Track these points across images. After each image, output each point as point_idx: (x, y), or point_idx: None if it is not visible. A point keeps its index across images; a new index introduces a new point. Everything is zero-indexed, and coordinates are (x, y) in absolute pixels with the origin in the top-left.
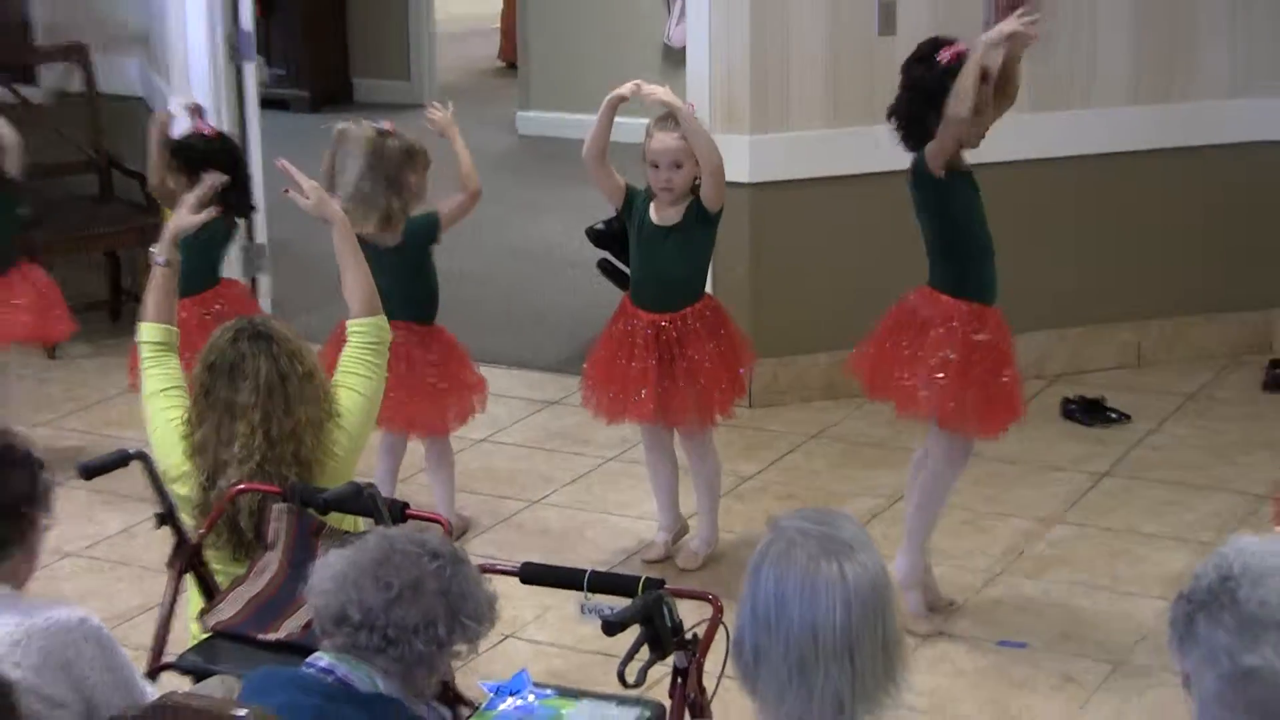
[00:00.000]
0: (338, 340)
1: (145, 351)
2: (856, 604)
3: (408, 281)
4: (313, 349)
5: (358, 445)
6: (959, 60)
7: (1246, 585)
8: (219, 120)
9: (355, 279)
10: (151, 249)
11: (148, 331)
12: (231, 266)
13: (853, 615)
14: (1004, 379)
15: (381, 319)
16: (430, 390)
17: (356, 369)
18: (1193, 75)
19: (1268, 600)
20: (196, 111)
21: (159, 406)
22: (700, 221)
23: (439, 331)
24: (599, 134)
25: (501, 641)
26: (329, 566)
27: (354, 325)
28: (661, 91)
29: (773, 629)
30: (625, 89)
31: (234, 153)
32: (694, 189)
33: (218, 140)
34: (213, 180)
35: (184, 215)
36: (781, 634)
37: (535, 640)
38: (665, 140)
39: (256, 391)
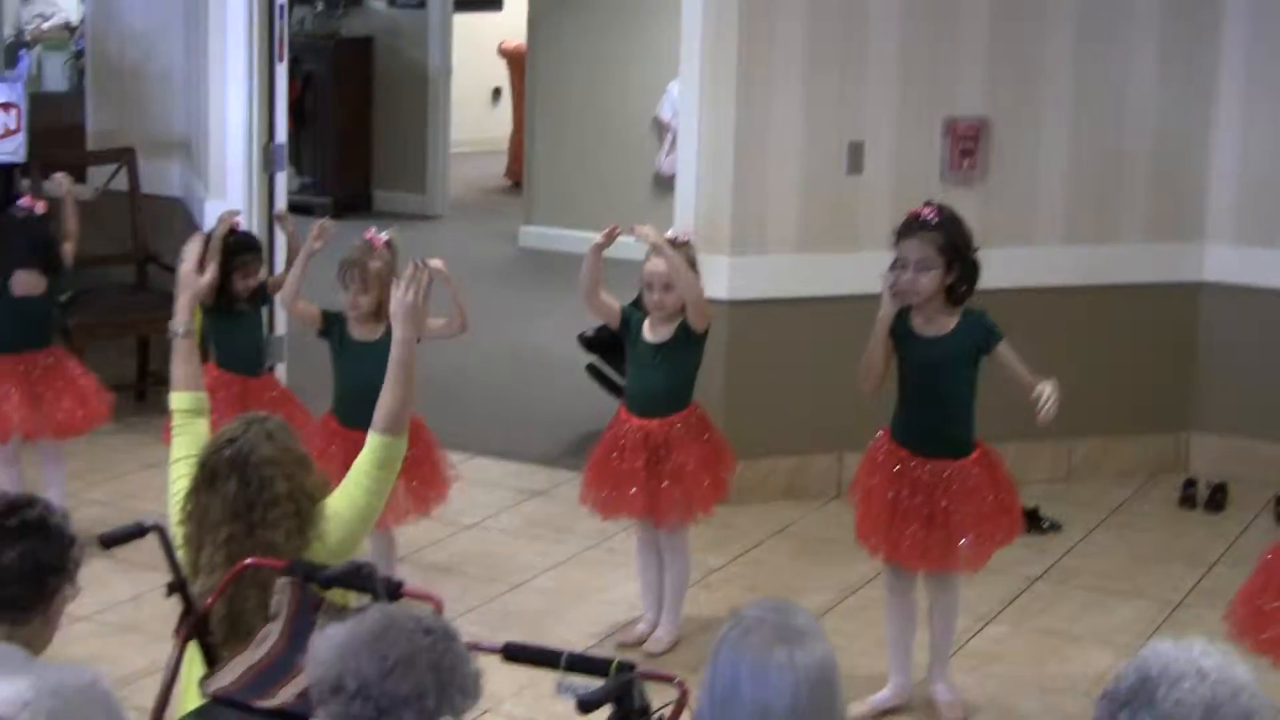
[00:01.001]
0: (325, 429)
1: (176, 419)
2: (804, 688)
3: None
4: (298, 462)
5: (341, 553)
6: None
7: (1164, 686)
8: (251, 223)
9: (390, 392)
10: (170, 324)
11: (177, 400)
12: None
13: (800, 698)
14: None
15: (398, 440)
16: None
17: (355, 487)
18: (1118, 220)
19: (1183, 700)
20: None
21: (177, 474)
22: (687, 340)
23: (417, 424)
24: (589, 274)
25: (481, 716)
26: (329, 638)
27: (371, 438)
28: (650, 232)
29: (727, 708)
30: (601, 237)
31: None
32: (684, 309)
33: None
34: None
35: (189, 279)
36: (734, 713)
37: (513, 715)
38: (658, 265)
39: (224, 511)
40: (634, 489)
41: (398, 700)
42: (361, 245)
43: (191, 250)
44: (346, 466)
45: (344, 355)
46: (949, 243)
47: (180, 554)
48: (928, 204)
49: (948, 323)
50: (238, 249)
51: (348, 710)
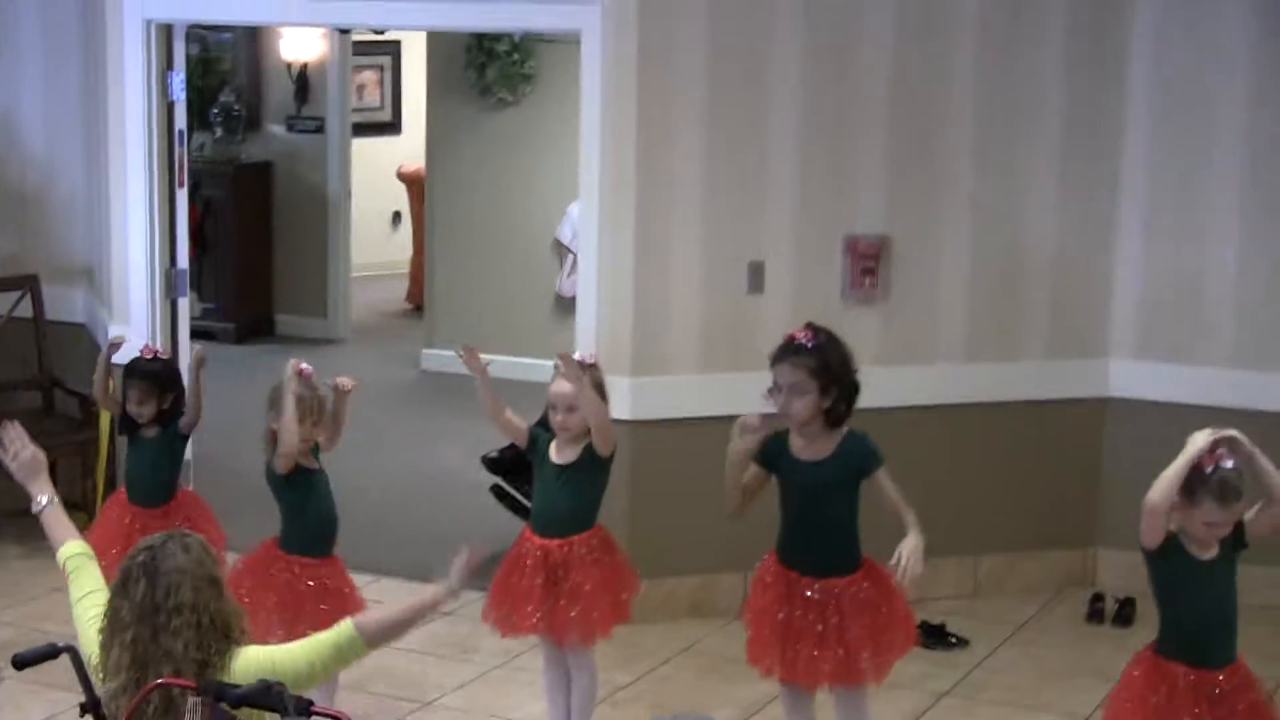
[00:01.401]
0: (261, 555)
1: (68, 567)
2: None
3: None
4: (209, 580)
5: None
6: None
7: None
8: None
9: (398, 615)
10: (36, 499)
11: (64, 551)
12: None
13: None
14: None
15: (366, 649)
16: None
17: (305, 651)
18: (1020, 337)
19: None
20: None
21: (83, 610)
22: (592, 462)
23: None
24: (484, 399)
25: None
26: None
27: (347, 626)
28: (566, 363)
29: None
30: (467, 362)
31: (176, 372)
32: (589, 431)
33: (161, 361)
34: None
35: (25, 465)
36: None
37: None
38: (561, 385)
39: (131, 613)
40: (530, 607)
41: None
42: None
43: (14, 435)
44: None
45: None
46: (822, 366)
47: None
48: (806, 326)
49: (827, 446)
50: (126, 375)
51: None
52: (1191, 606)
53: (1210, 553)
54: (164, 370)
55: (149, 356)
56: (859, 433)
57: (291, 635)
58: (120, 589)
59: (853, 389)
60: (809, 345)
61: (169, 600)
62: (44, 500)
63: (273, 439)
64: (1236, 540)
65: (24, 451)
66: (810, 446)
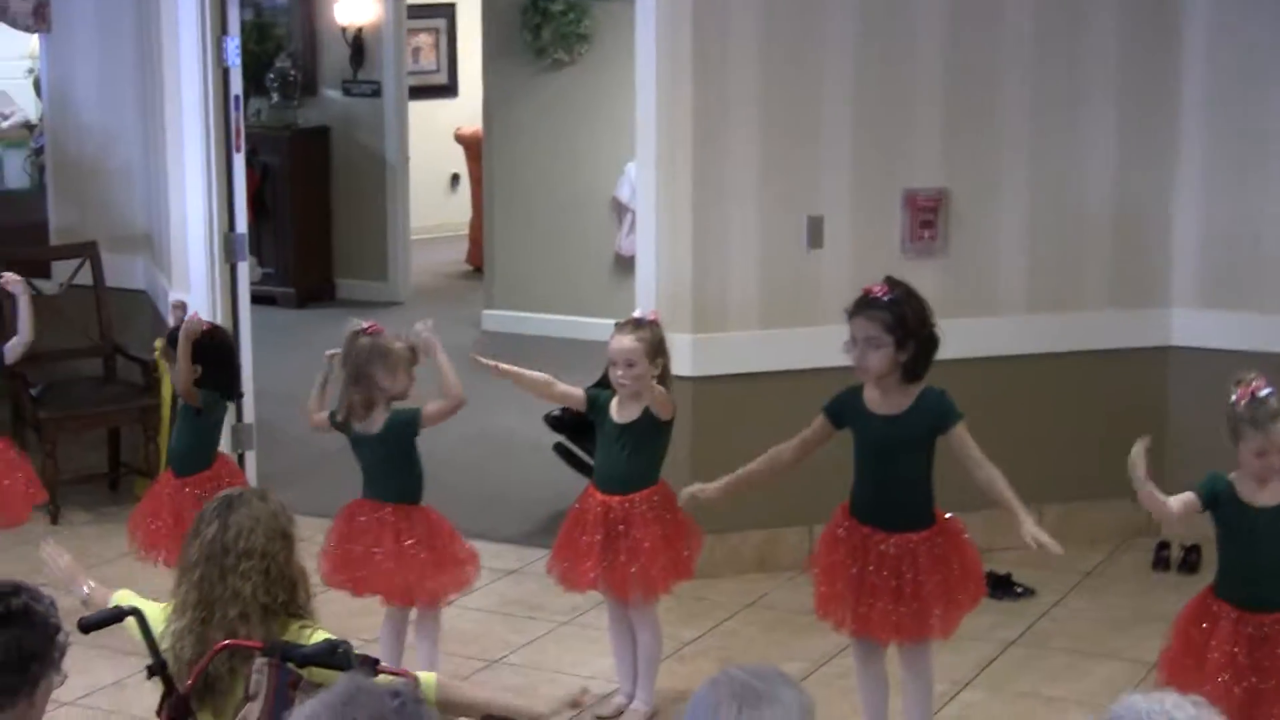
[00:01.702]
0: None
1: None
2: None
3: (390, 467)
4: (282, 534)
5: None
6: None
7: None
8: (214, 314)
9: (476, 691)
10: (82, 590)
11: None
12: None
13: None
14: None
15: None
16: (417, 563)
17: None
18: (1081, 287)
19: None
20: (182, 308)
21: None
22: (652, 423)
23: (425, 511)
24: (530, 389)
25: None
26: (301, 710)
27: (428, 678)
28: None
29: None
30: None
31: (226, 343)
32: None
33: (211, 333)
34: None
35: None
36: None
37: None
38: (621, 341)
39: (200, 552)
40: (590, 563)
41: None
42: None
43: (51, 552)
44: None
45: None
46: (898, 321)
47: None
48: (885, 280)
49: (903, 401)
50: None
51: None
52: (1243, 552)
53: (1267, 497)
54: (212, 341)
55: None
56: (937, 389)
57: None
58: (193, 531)
59: (930, 344)
60: (885, 299)
61: (239, 543)
62: (87, 589)
63: (368, 404)
64: None
65: (61, 559)
66: (886, 401)
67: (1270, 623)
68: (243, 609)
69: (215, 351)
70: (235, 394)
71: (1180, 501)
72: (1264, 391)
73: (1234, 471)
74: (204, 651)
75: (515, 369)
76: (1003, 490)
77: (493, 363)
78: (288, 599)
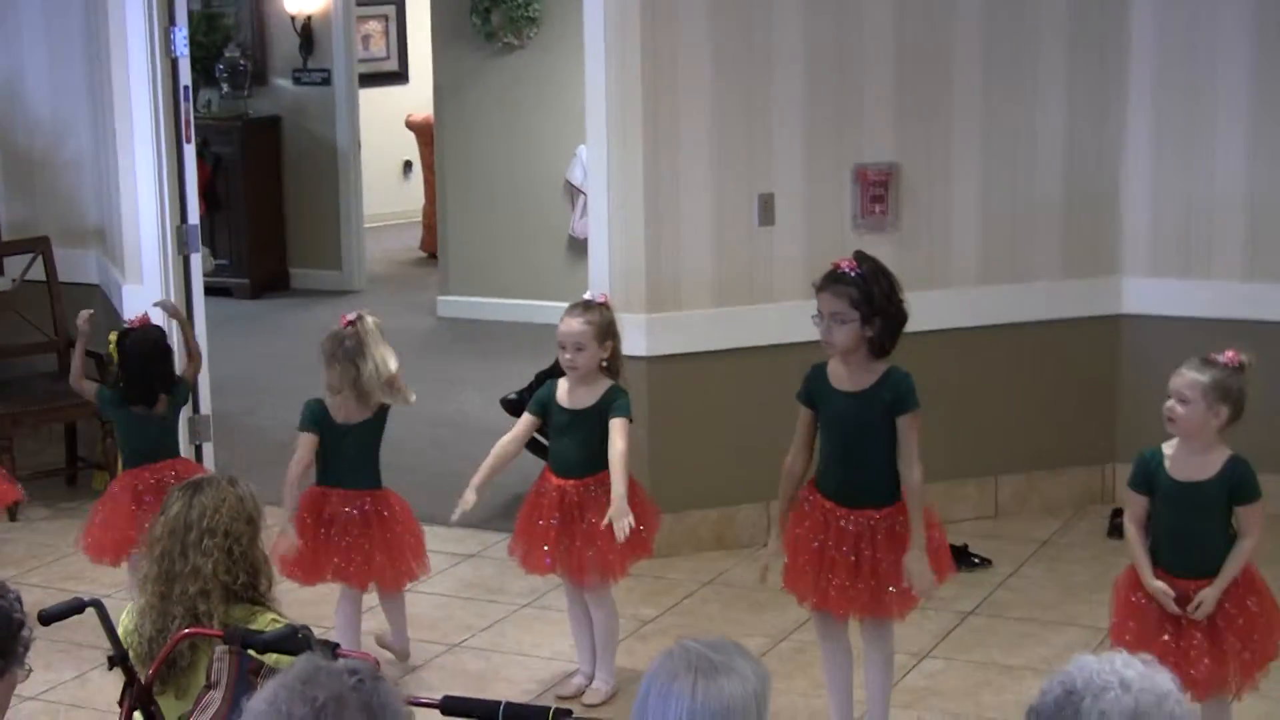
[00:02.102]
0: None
1: None
2: (702, 717)
3: (370, 454)
4: (248, 516)
5: None
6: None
7: (1089, 699)
8: None
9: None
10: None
11: None
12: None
13: None
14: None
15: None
16: (402, 545)
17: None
18: (1033, 258)
19: (1107, 711)
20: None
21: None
22: (601, 415)
23: (394, 494)
24: (502, 465)
25: None
26: (261, 693)
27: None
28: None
29: None
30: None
31: (138, 347)
32: (606, 370)
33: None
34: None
35: None
36: None
37: None
38: (570, 324)
39: (164, 529)
40: (546, 547)
41: None
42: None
43: None
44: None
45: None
46: (864, 297)
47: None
48: (854, 255)
49: (868, 378)
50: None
51: None
52: (1158, 519)
53: (1186, 471)
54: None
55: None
56: (902, 371)
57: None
58: (160, 511)
59: (898, 320)
60: (852, 275)
61: (202, 521)
62: None
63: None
64: (1232, 489)
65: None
66: (851, 377)
67: (1188, 587)
68: (203, 585)
69: (128, 351)
70: (138, 398)
71: (1133, 520)
72: (1221, 357)
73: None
74: (165, 628)
75: (481, 478)
76: (913, 504)
77: (465, 504)
78: (249, 582)
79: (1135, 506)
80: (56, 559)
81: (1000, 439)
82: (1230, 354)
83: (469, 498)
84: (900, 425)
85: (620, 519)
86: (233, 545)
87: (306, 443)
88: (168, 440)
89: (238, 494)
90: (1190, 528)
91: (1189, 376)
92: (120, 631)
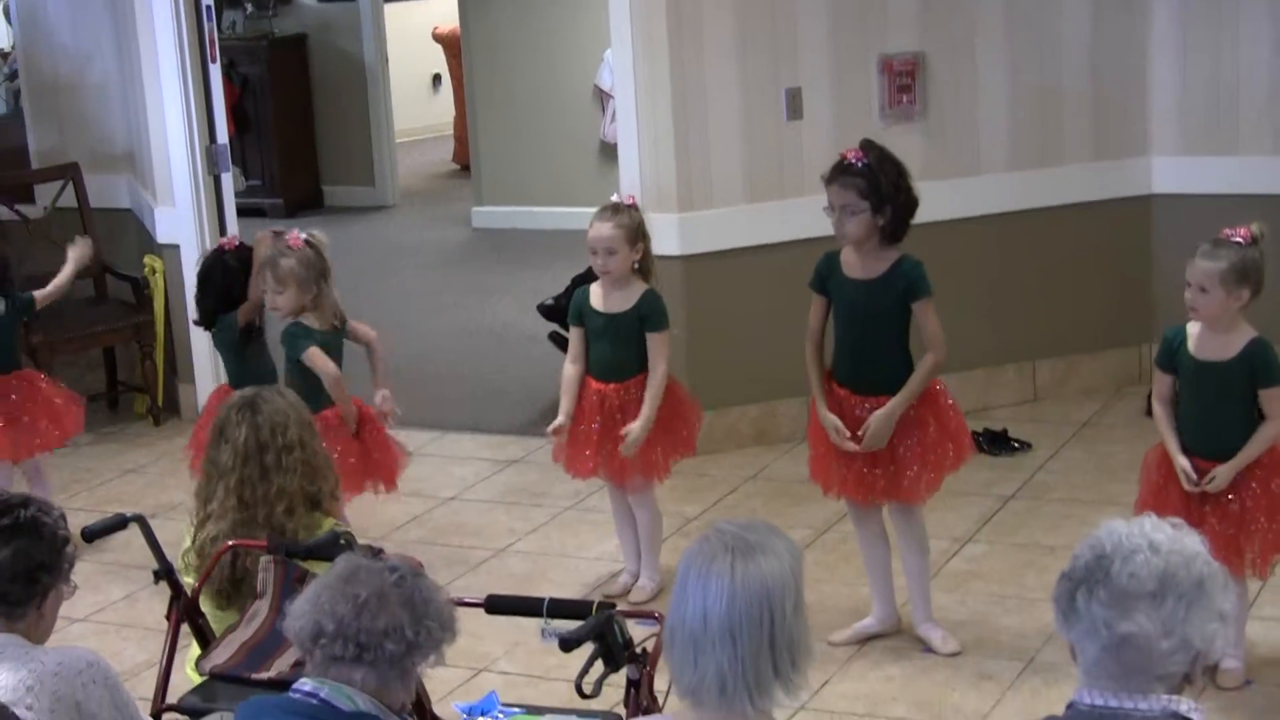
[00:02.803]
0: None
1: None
2: (742, 596)
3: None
4: (308, 424)
5: None
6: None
7: (1118, 562)
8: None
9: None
10: None
11: None
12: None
13: (737, 605)
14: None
15: None
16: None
17: None
18: (1062, 142)
19: (1137, 573)
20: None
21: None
22: (638, 321)
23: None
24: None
25: (474, 676)
26: (304, 594)
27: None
28: None
29: (678, 609)
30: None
31: (206, 269)
32: (638, 272)
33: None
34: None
35: None
36: (681, 614)
37: (505, 672)
38: (600, 229)
39: (235, 455)
40: (589, 451)
41: (375, 633)
42: (276, 243)
43: None
44: None
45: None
46: (872, 186)
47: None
48: (860, 144)
49: (879, 266)
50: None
51: (330, 653)
52: (1182, 398)
53: (1208, 351)
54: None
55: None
56: (914, 259)
57: None
58: (217, 439)
59: (908, 206)
60: (859, 165)
61: (277, 438)
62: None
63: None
64: (1254, 371)
65: None
66: (863, 265)
67: (1208, 468)
68: (288, 503)
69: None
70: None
71: (1159, 398)
72: (1233, 236)
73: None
74: (247, 555)
75: (565, 410)
76: (917, 375)
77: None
78: (323, 487)
79: (1161, 385)
80: (100, 482)
81: (1037, 323)
82: (1243, 231)
83: (558, 432)
84: (916, 311)
85: (632, 447)
86: (308, 454)
87: None
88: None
89: (291, 401)
90: (1211, 408)
91: (1204, 266)
92: (180, 556)
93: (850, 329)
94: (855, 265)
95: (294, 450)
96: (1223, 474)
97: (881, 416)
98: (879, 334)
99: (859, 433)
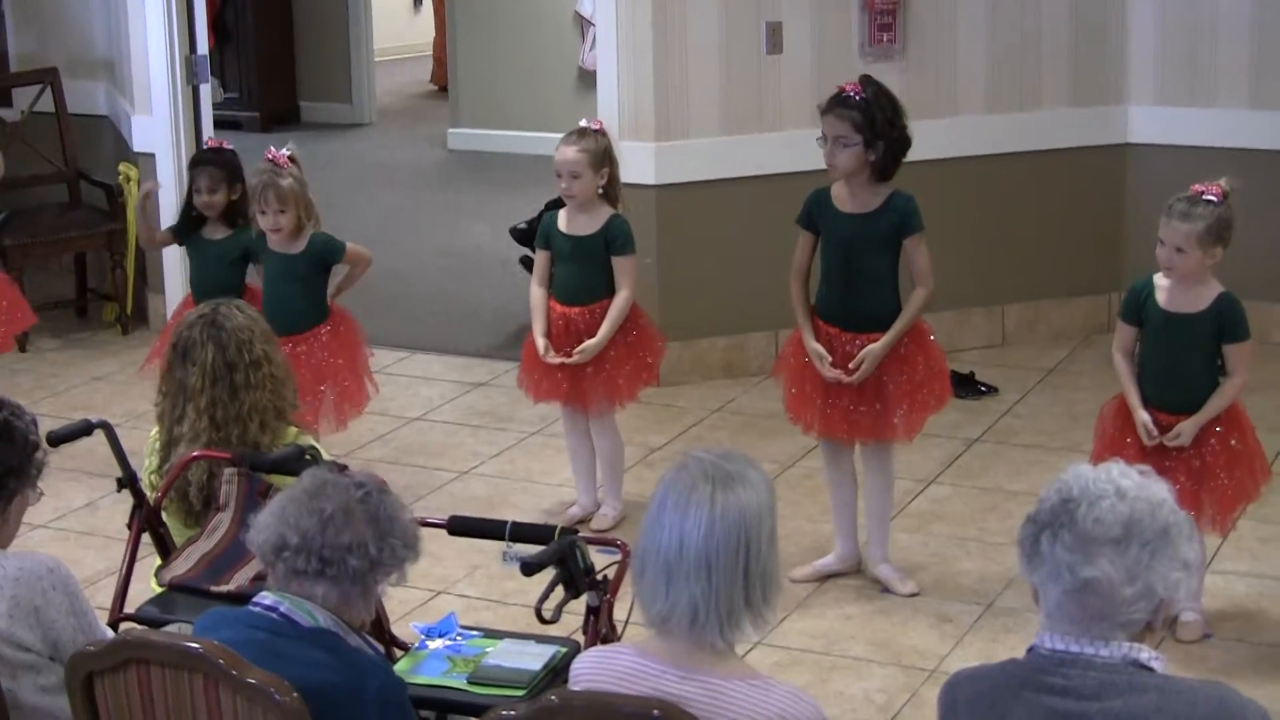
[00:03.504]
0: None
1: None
2: (721, 527)
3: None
4: (268, 335)
5: None
6: None
7: (1084, 506)
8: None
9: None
10: None
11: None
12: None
13: (715, 536)
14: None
15: None
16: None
17: None
18: (1040, 87)
19: (1102, 519)
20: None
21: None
22: (604, 244)
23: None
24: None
25: (434, 597)
26: (268, 507)
27: None
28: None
29: (652, 536)
30: None
31: (240, 167)
32: (604, 197)
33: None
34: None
35: None
36: (656, 541)
37: (465, 595)
38: (565, 152)
39: (204, 377)
40: (559, 374)
41: (339, 548)
42: (266, 166)
43: None
44: None
45: (265, 268)
46: (867, 120)
47: (156, 440)
48: (860, 79)
49: (872, 200)
50: (195, 164)
51: (293, 566)
52: (1146, 350)
53: (1176, 303)
54: (234, 159)
55: (216, 147)
56: (907, 194)
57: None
58: (180, 361)
59: (900, 144)
60: (856, 98)
61: (244, 356)
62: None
63: None
64: (1221, 326)
65: None
66: (854, 200)
67: (1170, 421)
68: (262, 419)
69: (239, 169)
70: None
71: (1119, 349)
72: (1206, 194)
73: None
74: (218, 473)
75: (540, 331)
76: (907, 310)
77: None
78: (290, 395)
79: (1124, 335)
80: (67, 389)
81: (1007, 268)
82: (1215, 188)
83: (550, 357)
84: (907, 246)
85: (583, 357)
86: (274, 369)
87: None
88: None
89: (251, 314)
90: (1176, 361)
91: (1181, 229)
92: (145, 474)
93: (841, 263)
94: (846, 200)
95: (261, 366)
96: (1187, 429)
97: (877, 349)
98: (869, 269)
99: (849, 366)
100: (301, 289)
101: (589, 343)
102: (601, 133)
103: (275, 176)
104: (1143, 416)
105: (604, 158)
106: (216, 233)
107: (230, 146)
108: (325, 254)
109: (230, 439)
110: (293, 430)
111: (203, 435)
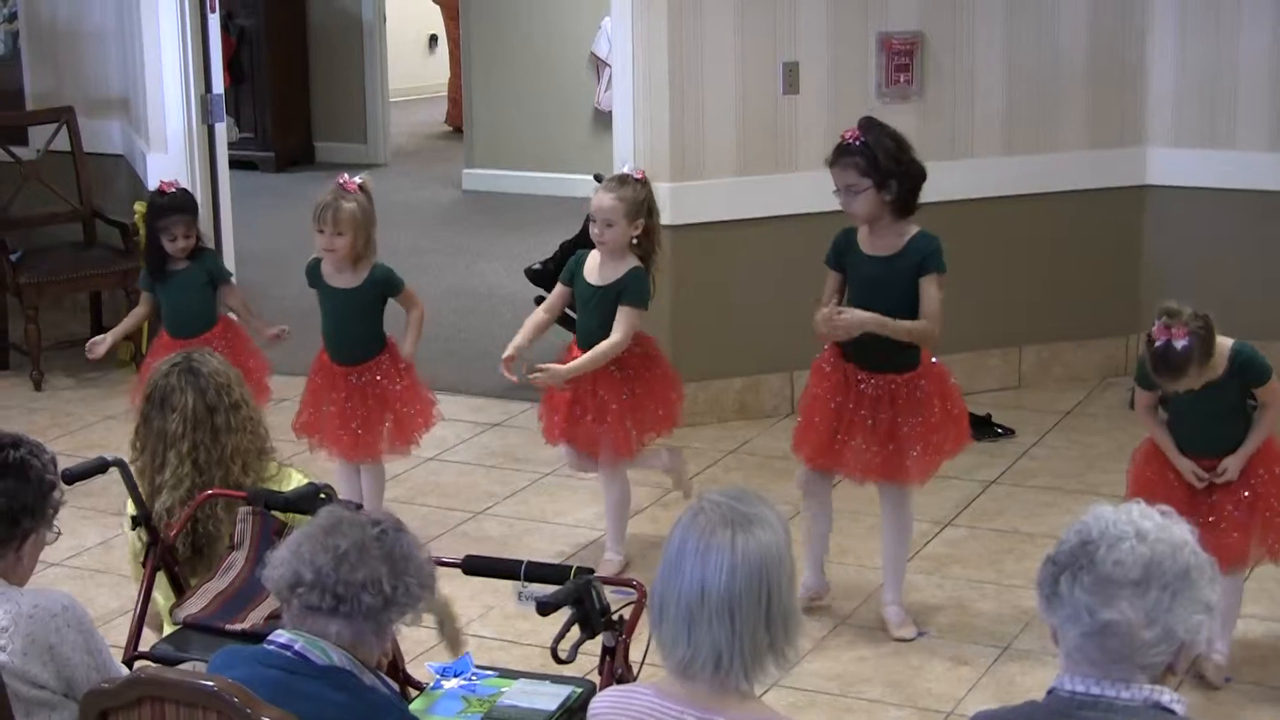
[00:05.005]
0: (318, 362)
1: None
2: (742, 571)
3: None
4: (239, 380)
5: None
6: None
7: (1104, 548)
8: (192, 176)
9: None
10: None
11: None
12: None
13: (737, 580)
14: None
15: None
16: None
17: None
18: (1058, 129)
19: (1122, 561)
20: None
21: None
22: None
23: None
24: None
25: None
26: (284, 544)
27: None
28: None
29: (670, 582)
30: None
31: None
32: (636, 248)
33: (186, 191)
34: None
35: None
36: (676, 587)
37: (479, 635)
38: (602, 199)
39: (184, 422)
40: (557, 417)
41: (354, 585)
42: (333, 188)
43: None
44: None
45: (323, 300)
46: (871, 164)
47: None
48: (858, 123)
49: (896, 242)
50: (162, 211)
51: (307, 602)
52: (1175, 411)
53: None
54: (191, 199)
55: (174, 190)
56: (930, 235)
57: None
58: (159, 409)
59: (913, 177)
60: (856, 144)
61: (223, 399)
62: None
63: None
64: (1245, 381)
65: None
66: (879, 241)
67: (1210, 464)
68: (244, 460)
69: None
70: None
71: (1144, 410)
72: (1179, 343)
73: None
74: (212, 514)
75: (515, 343)
76: (911, 332)
77: (509, 373)
78: (265, 435)
79: (1146, 398)
80: (81, 427)
81: (1024, 309)
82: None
83: (507, 365)
84: (922, 284)
85: (545, 378)
86: (251, 410)
87: None
88: None
89: (224, 362)
90: (1206, 420)
91: (1191, 376)
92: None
93: (863, 303)
94: (870, 242)
95: (240, 408)
96: (1233, 465)
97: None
98: (893, 310)
99: (856, 405)
100: (363, 322)
101: (552, 368)
102: (643, 182)
103: (339, 199)
104: (1185, 464)
105: (640, 208)
106: (178, 264)
107: (183, 186)
108: (385, 287)
109: (214, 481)
110: (274, 465)
111: (185, 480)
